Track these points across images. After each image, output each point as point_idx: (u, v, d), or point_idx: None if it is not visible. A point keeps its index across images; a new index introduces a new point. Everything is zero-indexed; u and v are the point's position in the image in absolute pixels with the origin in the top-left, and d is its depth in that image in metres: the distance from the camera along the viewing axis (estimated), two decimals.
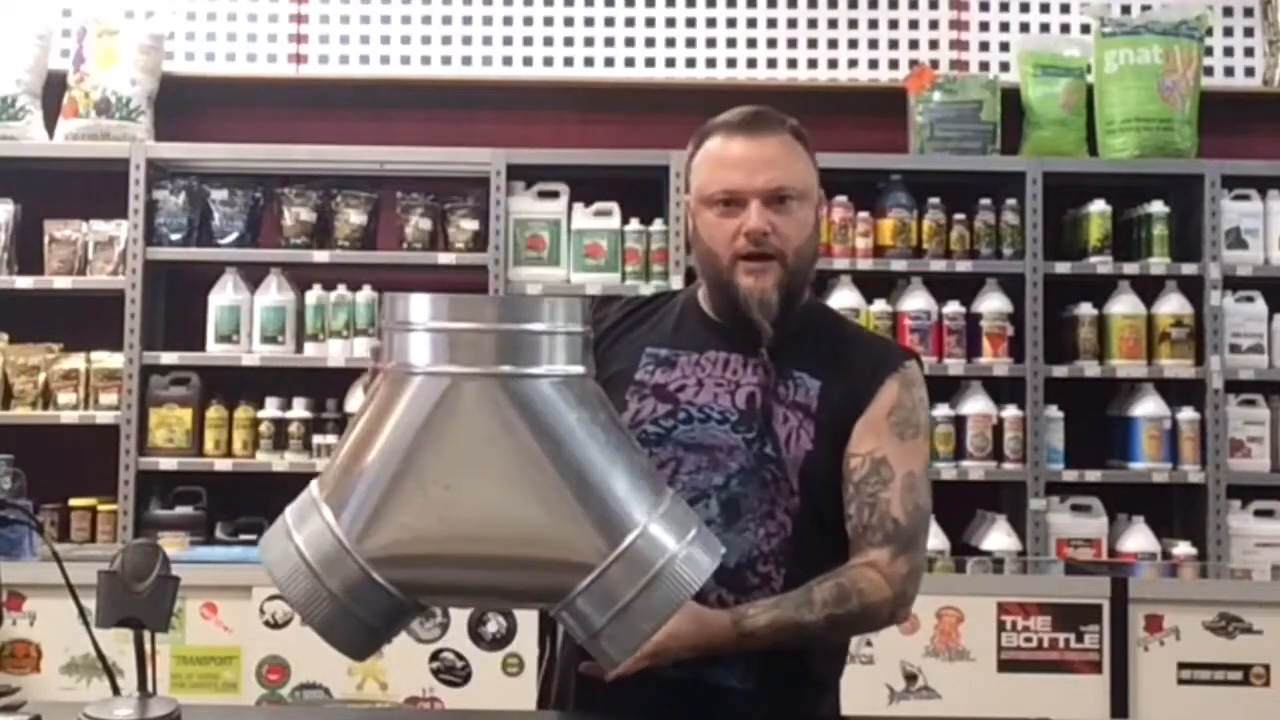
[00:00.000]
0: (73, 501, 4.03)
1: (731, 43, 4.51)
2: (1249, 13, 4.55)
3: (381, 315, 1.47)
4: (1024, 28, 4.53)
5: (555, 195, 4.15)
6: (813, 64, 4.52)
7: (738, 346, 1.86)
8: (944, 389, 4.12)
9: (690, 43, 4.50)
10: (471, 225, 4.13)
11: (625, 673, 1.58)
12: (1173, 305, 4.10)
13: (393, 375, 1.40)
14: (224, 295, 4.09)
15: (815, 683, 1.86)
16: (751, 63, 4.51)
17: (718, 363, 1.87)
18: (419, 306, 1.40)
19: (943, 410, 4.06)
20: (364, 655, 1.46)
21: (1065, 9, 4.53)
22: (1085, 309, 4.13)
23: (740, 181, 1.81)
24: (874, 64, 4.53)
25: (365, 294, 4.10)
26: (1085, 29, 4.40)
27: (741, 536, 1.78)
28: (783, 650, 1.78)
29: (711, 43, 4.50)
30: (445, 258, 4.11)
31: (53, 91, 4.22)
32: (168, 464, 4.00)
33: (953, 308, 4.09)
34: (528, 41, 4.50)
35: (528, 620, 3.12)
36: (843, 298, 4.06)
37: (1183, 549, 3.98)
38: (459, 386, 1.36)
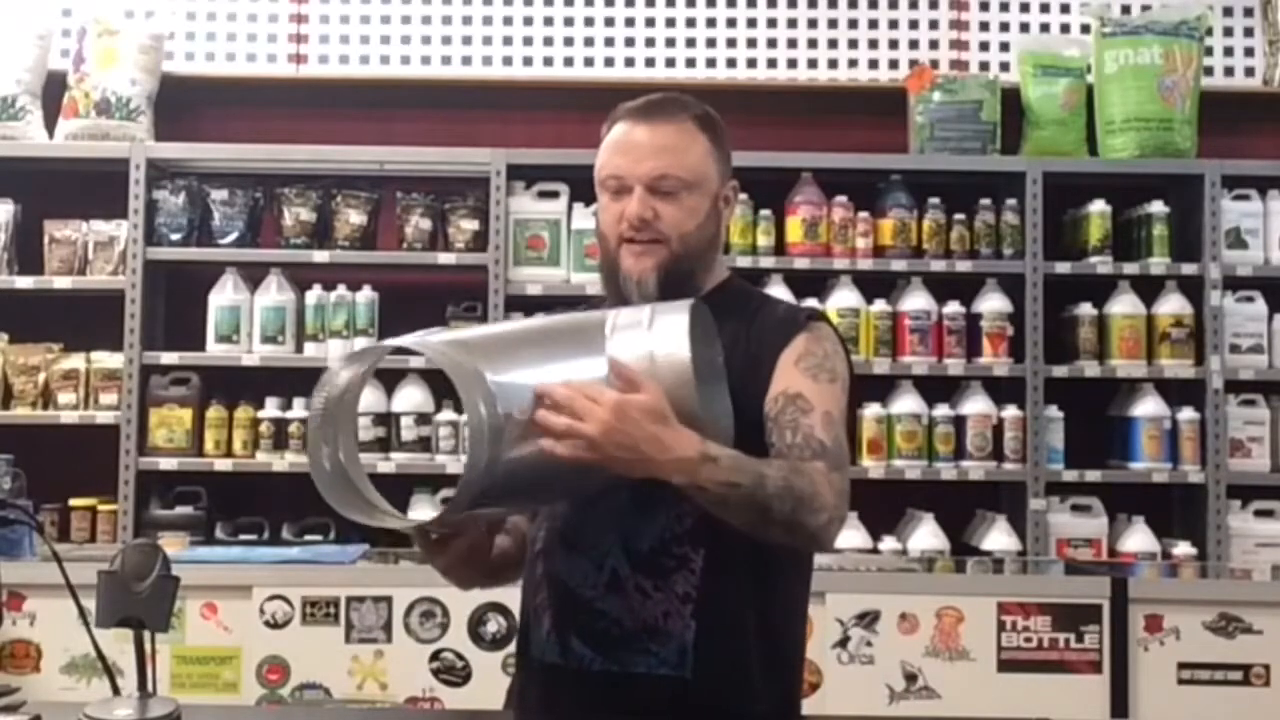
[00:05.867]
0: (73, 501, 4.03)
1: (731, 43, 4.51)
2: (1249, 13, 4.55)
3: None
4: (1024, 28, 4.53)
5: (555, 195, 4.15)
6: (813, 64, 4.52)
7: None
8: (944, 389, 4.12)
9: (690, 43, 4.50)
10: (471, 225, 4.13)
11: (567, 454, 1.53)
12: (1173, 305, 4.10)
13: None
14: (224, 295, 4.09)
15: (757, 674, 1.81)
16: (751, 63, 4.50)
17: None
18: None
19: (943, 410, 4.06)
20: None
21: (1065, 9, 4.53)
22: (1085, 309, 4.13)
23: (626, 168, 1.83)
24: (874, 64, 4.53)
25: (365, 294, 4.10)
26: (1085, 29, 4.40)
27: (652, 520, 1.77)
28: (717, 635, 1.76)
29: (711, 43, 4.50)
30: (445, 258, 4.11)
31: (53, 91, 4.23)
32: (168, 464, 4.00)
33: (953, 308, 4.09)
34: (528, 41, 4.50)
35: None
36: (843, 298, 4.06)
37: (1183, 549, 3.98)
38: None
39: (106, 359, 4.07)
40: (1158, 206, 4.14)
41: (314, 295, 4.11)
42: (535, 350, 1.68)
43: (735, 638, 1.79)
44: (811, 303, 3.90)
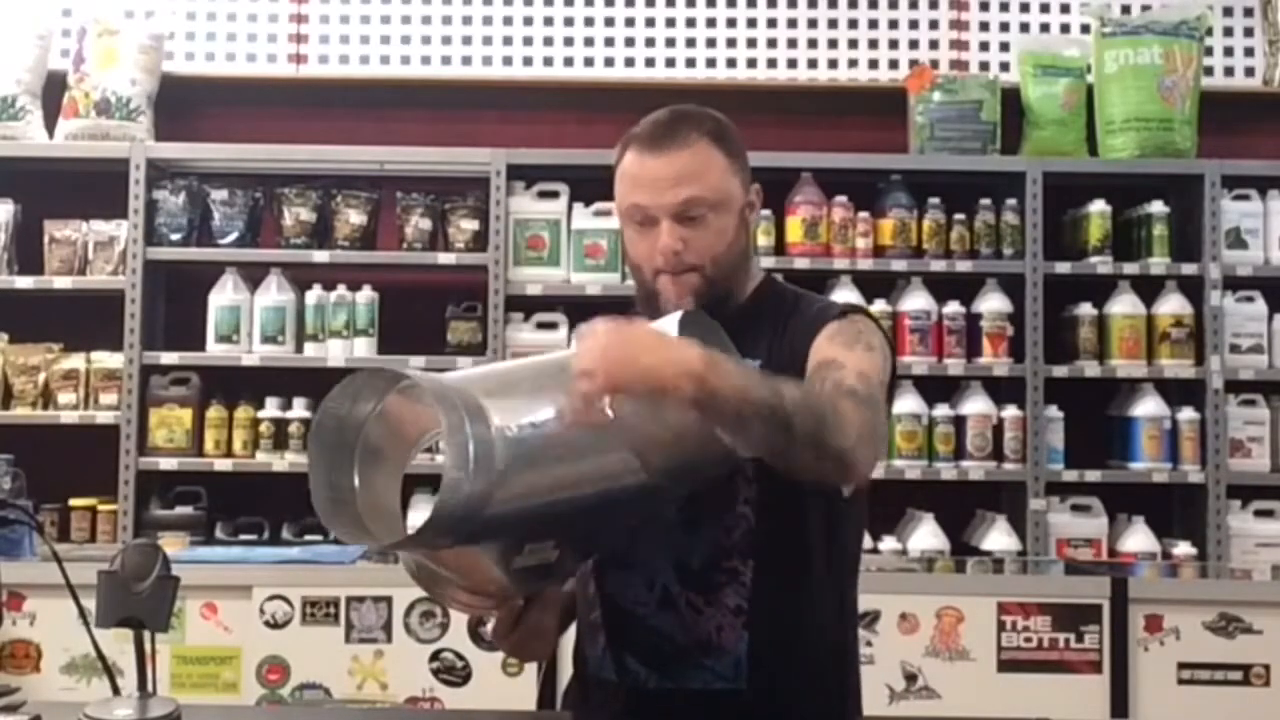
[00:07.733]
0: (73, 501, 4.03)
1: (731, 43, 4.51)
2: (1249, 13, 4.55)
3: None
4: (1024, 28, 4.53)
5: (555, 195, 4.15)
6: (813, 64, 4.52)
7: None
8: (944, 389, 4.12)
9: (690, 43, 4.50)
10: (471, 225, 4.13)
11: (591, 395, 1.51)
12: (1173, 305, 4.10)
13: None
14: (224, 295, 4.09)
15: (811, 680, 1.82)
16: (751, 63, 4.50)
17: None
18: None
19: (943, 410, 4.06)
20: None
21: (1065, 9, 4.53)
22: (1085, 309, 4.13)
23: (649, 200, 1.81)
24: (874, 64, 4.53)
25: (365, 294, 4.10)
26: (1085, 29, 4.40)
27: (700, 536, 1.76)
28: (770, 645, 1.77)
29: (711, 43, 4.50)
30: (445, 258, 4.11)
31: (53, 91, 4.23)
32: (168, 464, 4.00)
33: (953, 308, 4.09)
34: (528, 41, 4.50)
35: None
36: (842, 298, 4.04)
37: (1183, 549, 3.98)
38: None
39: (106, 359, 4.07)
40: (1158, 206, 4.14)
41: (314, 295, 4.11)
42: (529, 382, 1.64)
43: (789, 645, 1.79)
44: None
